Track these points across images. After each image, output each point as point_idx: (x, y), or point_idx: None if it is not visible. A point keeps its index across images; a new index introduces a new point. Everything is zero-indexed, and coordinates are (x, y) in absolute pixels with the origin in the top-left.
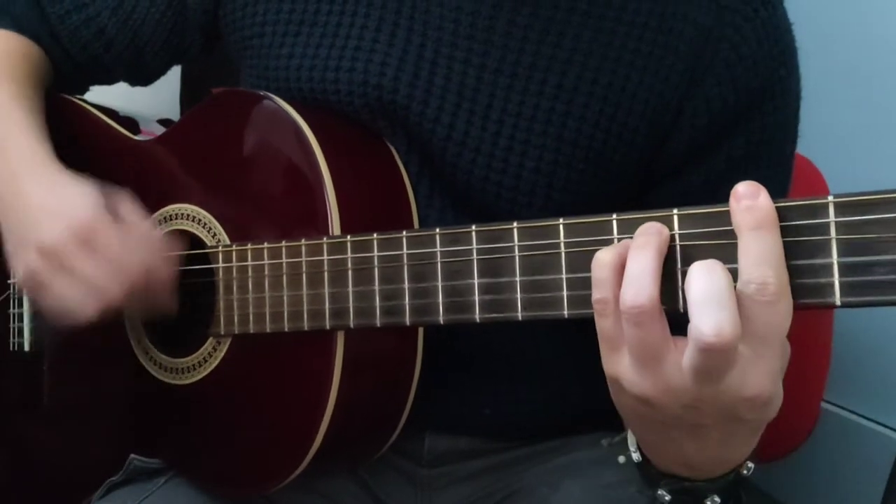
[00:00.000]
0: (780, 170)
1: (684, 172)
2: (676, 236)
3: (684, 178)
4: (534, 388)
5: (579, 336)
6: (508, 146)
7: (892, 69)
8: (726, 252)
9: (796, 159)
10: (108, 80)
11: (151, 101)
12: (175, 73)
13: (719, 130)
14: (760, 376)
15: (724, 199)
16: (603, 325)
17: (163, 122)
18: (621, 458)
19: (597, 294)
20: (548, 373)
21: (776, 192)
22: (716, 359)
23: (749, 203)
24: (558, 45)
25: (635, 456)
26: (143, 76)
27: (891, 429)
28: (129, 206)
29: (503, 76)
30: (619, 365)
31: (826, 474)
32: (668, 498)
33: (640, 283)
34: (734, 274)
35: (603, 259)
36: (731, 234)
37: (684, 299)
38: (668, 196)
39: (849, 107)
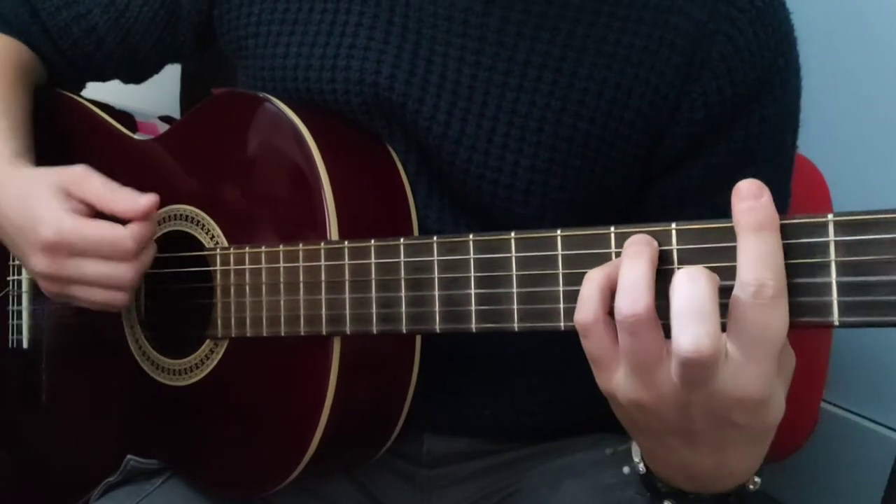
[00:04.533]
0: (780, 161)
1: (683, 167)
2: (674, 251)
3: (684, 172)
4: (534, 389)
5: (580, 337)
6: (503, 144)
7: (892, 69)
8: (725, 268)
9: (797, 160)
10: (102, 78)
11: (152, 99)
12: (175, 70)
13: (718, 124)
14: (752, 378)
15: (725, 192)
16: (588, 346)
17: (164, 118)
18: (626, 469)
19: (579, 315)
20: (548, 374)
21: (777, 184)
22: (698, 370)
23: (751, 203)
24: (552, 42)
25: (640, 467)
26: (135, 74)
27: (891, 429)
28: (93, 187)
29: (497, 73)
30: (612, 380)
31: (826, 474)
32: None
33: (635, 292)
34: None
35: (591, 275)
36: (731, 251)
37: None
38: (667, 191)
39: (850, 108)
